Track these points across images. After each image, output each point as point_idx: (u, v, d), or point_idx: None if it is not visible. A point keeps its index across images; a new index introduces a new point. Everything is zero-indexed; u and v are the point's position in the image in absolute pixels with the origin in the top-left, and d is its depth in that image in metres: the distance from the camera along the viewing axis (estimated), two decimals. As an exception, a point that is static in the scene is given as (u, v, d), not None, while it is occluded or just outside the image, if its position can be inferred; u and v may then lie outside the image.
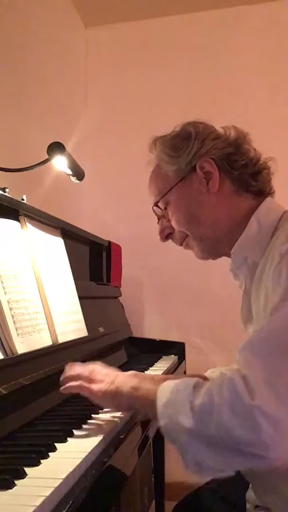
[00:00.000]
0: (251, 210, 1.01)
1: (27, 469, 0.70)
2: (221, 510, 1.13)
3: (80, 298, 1.45)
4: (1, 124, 1.84)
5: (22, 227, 1.25)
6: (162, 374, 1.53)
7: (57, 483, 0.65)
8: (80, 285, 1.50)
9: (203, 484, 1.22)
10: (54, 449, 0.80)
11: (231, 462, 0.74)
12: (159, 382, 0.88)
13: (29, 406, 1.00)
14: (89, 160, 2.37)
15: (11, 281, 1.09)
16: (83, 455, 0.76)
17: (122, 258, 2.20)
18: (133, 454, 0.97)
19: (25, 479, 0.68)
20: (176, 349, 2.00)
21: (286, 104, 2.57)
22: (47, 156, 1.49)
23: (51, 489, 0.63)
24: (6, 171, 1.46)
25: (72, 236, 1.66)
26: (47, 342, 1.16)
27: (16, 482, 0.66)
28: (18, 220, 1.25)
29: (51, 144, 1.48)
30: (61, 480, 0.66)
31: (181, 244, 1.11)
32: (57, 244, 1.44)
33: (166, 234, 1.11)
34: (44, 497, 0.60)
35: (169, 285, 2.64)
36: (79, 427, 0.93)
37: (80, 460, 0.74)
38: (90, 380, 0.96)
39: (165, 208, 1.08)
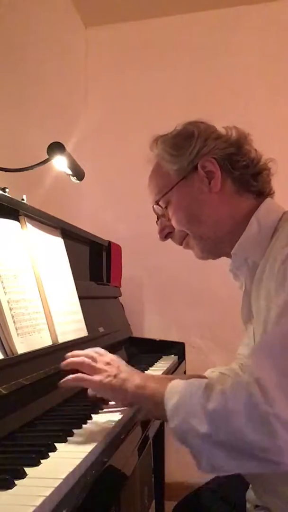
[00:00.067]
0: (252, 210, 1.01)
1: (27, 469, 0.70)
2: (221, 510, 1.13)
3: (80, 298, 1.45)
4: (1, 124, 1.84)
5: (22, 227, 1.25)
6: (162, 374, 1.54)
7: (57, 483, 0.65)
8: (80, 285, 1.50)
9: (203, 484, 1.22)
10: (54, 449, 0.80)
11: (244, 466, 0.75)
12: (161, 381, 0.88)
13: (29, 406, 1.00)
14: (89, 160, 2.37)
15: (11, 281, 1.08)
16: (83, 455, 0.76)
17: (122, 258, 2.20)
18: (133, 454, 0.97)
19: (25, 479, 0.68)
20: (176, 349, 2.00)
21: (287, 104, 2.57)
22: (47, 156, 1.49)
23: (51, 489, 0.63)
24: (6, 171, 1.46)
25: (72, 236, 1.66)
26: (47, 342, 1.16)
27: (16, 482, 0.66)
28: (18, 220, 1.25)
29: (51, 144, 1.48)
30: (61, 480, 0.66)
31: (180, 244, 1.11)
32: (57, 244, 1.44)
33: (166, 234, 1.11)
34: (44, 497, 0.60)
35: (169, 285, 2.64)
36: (79, 427, 0.93)
37: (80, 460, 0.74)
38: (91, 369, 0.95)
39: (166, 207, 1.07)
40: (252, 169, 1.04)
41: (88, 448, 0.80)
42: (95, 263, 1.94)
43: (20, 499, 0.62)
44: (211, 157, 1.02)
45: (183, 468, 2.02)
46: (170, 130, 1.09)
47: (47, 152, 1.48)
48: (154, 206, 1.10)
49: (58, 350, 1.16)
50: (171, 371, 1.69)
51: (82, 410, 1.05)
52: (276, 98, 2.59)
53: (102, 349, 1.02)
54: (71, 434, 0.89)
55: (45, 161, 1.50)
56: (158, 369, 1.64)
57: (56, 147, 1.47)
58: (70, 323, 1.33)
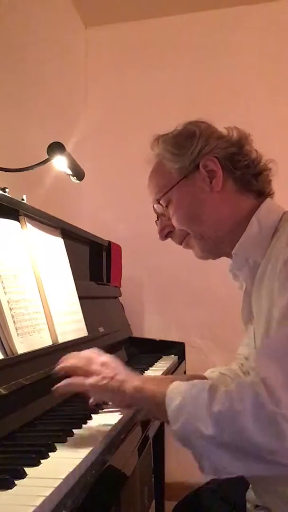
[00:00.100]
0: (252, 210, 1.01)
1: (27, 469, 0.70)
2: (221, 510, 1.13)
3: (80, 298, 1.45)
4: (1, 124, 1.84)
5: (22, 227, 1.25)
6: (162, 374, 1.53)
7: (57, 483, 0.65)
8: (80, 285, 1.51)
9: (203, 484, 1.21)
10: (54, 449, 0.80)
11: (250, 468, 0.74)
12: (161, 383, 0.87)
13: (29, 406, 1.00)
14: (89, 160, 2.37)
15: (11, 281, 1.09)
16: (83, 455, 0.76)
17: (122, 258, 2.20)
18: (133, 454, 0.97)
19: (25, 479, 0.68)
20: (176, 349, 2.00)
21: (287, 104, 2.57)
22: (47, 156, 1.49)
23: (51, 489, 0.63)
24: (6, 171, 1.46)
25: (72, 236, 1.66)
26: (47, 342, 1.16)
27: (16, 482, 0.66)
28: (18, 220, 1.25)
29: (51, 144, 1.48)
30: (61, 480, 0.66)
31: (180, 243, 1.10)
32: (57, 244, 1.44)
33: (166, 233, 1.11)
34: (44, 497, 0.60)
35: (169, 285, 2.64)
36: (79, 427, 0.93)
37: (80, 460, 0.74)
38: (86, 372, 0.92)
39: (166, 206, 1.07)
40: (253, 169, 1.04)
41: (88, 448, 0.80)
42: (95, 263, 1.94)
43: (20, 499, 0.62)
44: (212, 156, 1.02)
45: (183, 468, 2.02)
46: (170, 130, 1.09)
47: (47, 152, 1.48)
48: (155, 205, 1.10)
49: (58, 350, 1.16)
50: (171, 371, 1.69)
51: (82, 410, 1.04)
52: (276, 98, 2.59)
53: (98, 350, 0.99)
54: (71, 434, 0.89)
55: (45, 161, 1.50)
56: (158, 369, 1.63)
57: (56, 147, 1.48)
58: (70, 323, 1.33)
